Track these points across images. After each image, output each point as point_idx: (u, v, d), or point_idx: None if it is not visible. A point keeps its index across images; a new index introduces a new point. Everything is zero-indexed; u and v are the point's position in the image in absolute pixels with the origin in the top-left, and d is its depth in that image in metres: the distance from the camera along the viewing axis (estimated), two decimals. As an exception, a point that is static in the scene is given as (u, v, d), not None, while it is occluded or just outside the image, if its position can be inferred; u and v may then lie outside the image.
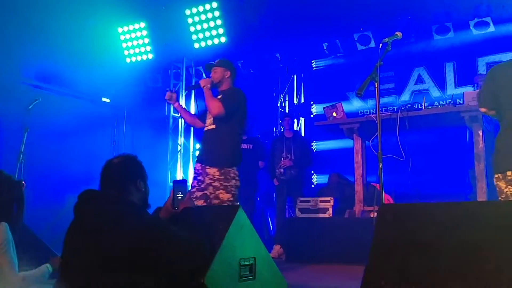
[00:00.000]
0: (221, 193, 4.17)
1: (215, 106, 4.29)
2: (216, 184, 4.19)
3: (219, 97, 4.41)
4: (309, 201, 6.25)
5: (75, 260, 2.20)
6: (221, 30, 8.30)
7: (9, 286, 2.81)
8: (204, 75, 9.47)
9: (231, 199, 4.20)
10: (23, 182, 3.24)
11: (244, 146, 7.38)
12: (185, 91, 9.23)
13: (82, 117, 8.23)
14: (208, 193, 4.21)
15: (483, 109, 3.56)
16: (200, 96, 9.09)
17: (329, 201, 6.10)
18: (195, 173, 4.39)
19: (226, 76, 4.52)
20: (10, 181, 3.12)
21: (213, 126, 4.39)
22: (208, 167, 4.28)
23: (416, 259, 2.08)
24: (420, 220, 2.17)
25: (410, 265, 2.07)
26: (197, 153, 9.29)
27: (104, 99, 9.21)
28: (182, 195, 2.59)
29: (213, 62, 4.64)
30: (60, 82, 8.27)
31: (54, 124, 7.57)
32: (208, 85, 4.41)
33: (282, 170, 6.80)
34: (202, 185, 4.26)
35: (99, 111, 8.98)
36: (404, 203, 2.94)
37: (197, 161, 4.47)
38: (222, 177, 4.21)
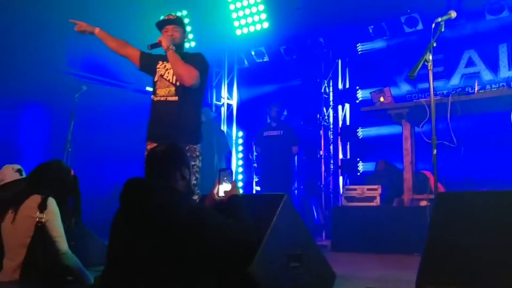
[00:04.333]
0: None
1: (191, 75, 3.68)
2: None
3: None
4: (355, 189, 6.11)
5: (122, 250, 2.19)
6: (263, 16, 8.20)
7: (66, 259, 2.83)
8: (246, 62, 9.41)
9: (194, 182, 3.61)
10: (72, 171, 3.25)
11: (274, 132, 7.40)
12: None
13: (126, 107, 8.31)
14: None
15: None
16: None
17: (376, 189, 5.95)
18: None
19: (185, 39, 3.99)
20: (67, 171, 3.13)
21: (175, 98, 3.75)
22: None
23: (477, 252, 1.95)
24: (481, 210, 2.03)
25: (470, 258, 1.94)
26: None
27: (148, 89, 9.29)
28: (227, 184, 2.56)
29: (171, 17, 3.95)
30: (104, 72, 8.38)
31: (99, 114, 7.69)
32: (173, 46, 3.74)
33: None
34: None
35: (144, 101, 9.06)
36: (463, 192, 2.79)
37: (150, 140, 3.78)
38: (188, 154, 3.53)
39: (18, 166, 3.73)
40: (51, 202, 2.86)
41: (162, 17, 4.04)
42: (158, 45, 3.79)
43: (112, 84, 8.62)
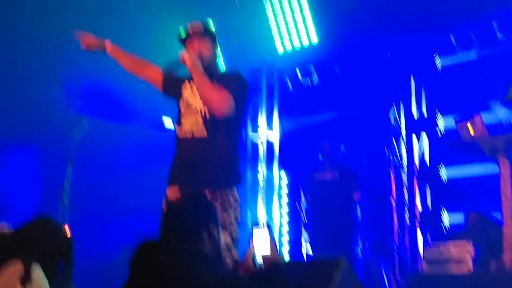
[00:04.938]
0: None
1: (222, 101, 3.68)
2: None
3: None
4: (439, 250, 6.02)
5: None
6: (311, 27, 8.33)
7: None
8: (290, 85, 9.48)
9: (228, 239, 3.45)
10: (67, 226, 3.32)
11: (328, 175, 7.41)
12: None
13: (140, 147, 8.45)
14: None
15: None
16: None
17: (467, 248, 5.84)
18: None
19: (217, 55, 4.07)
20: (57, 230, 3.18)
21: (203, 133, 3.80)
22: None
23: None
24: None
25: None
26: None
27: (165, 121, 9.44)
28: (265, 246, 2.56)
29: (197, 28, 4.01)
30: (111, 102, 8.57)
31: (104, 157, 7.84)
32: (200, 65, 3.77)
33: None
34: None
35: (162, 139, 9.21)
36: None
37: (172, 183, 3.84)
38: (218, 203, 3.52)
39: (2, 225, 3.81)
40: (37, 271, 2.88)
41: (185, 27, 4.12)
42: (180, 64, 3.85)
43: (121, 118, 8.81)
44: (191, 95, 3.95)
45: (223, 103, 3.69)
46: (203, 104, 3.81)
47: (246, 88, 3.96)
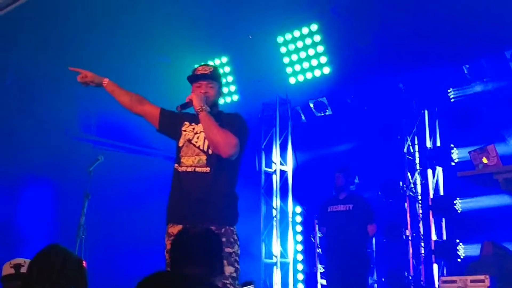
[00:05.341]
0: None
1: (229, 143, 3.81)
2: None
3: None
4: (454, 281, 5.99)
5: None
6: (323, 59, 8.43)
7: None
8: (303, 116, 9.54)
9: (234, 274, 3.62)
10: (83, 261, 3.35)
11: (341, 207, 7.40)
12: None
13: (155, 179, 8.47)
14: None
15: None
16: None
17: (483, 281, 5.80)
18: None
19: (220, 96, 4.23)
20: (68, 258, 3.21)
21: (205, 169, 3.90)
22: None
23: None
24: None
25: None
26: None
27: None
28: None
29: (206, 71, 4.13)
30: (126, 136, 8.66)
31: (120, 190, 7.89)
32: (207, 108, 3.91)
33: None
34: None
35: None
36: None
37: (174, 221, 3.91)
38: (224, 239, 3.61)
39: (19, 260, 3.85)
40: None
41: (195, 66, 4.24)
42: (188, 104, 3.98)
43: (136, 151, 8.88)
44: (192, 134, 4.06)
45: (230, 145, 3.82)
46: (209, 144, 3.91)
47: (248, 130, 4.09)
